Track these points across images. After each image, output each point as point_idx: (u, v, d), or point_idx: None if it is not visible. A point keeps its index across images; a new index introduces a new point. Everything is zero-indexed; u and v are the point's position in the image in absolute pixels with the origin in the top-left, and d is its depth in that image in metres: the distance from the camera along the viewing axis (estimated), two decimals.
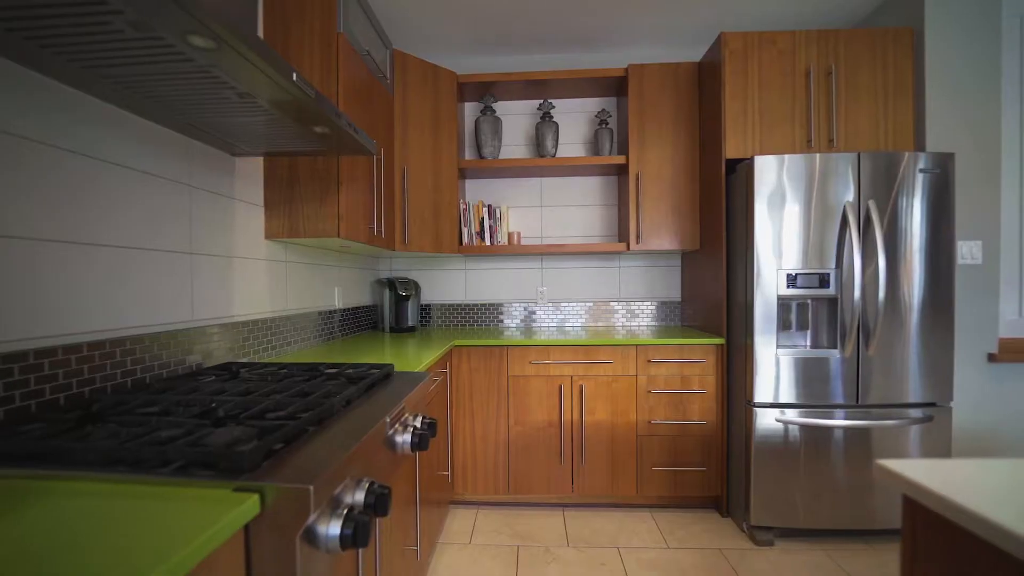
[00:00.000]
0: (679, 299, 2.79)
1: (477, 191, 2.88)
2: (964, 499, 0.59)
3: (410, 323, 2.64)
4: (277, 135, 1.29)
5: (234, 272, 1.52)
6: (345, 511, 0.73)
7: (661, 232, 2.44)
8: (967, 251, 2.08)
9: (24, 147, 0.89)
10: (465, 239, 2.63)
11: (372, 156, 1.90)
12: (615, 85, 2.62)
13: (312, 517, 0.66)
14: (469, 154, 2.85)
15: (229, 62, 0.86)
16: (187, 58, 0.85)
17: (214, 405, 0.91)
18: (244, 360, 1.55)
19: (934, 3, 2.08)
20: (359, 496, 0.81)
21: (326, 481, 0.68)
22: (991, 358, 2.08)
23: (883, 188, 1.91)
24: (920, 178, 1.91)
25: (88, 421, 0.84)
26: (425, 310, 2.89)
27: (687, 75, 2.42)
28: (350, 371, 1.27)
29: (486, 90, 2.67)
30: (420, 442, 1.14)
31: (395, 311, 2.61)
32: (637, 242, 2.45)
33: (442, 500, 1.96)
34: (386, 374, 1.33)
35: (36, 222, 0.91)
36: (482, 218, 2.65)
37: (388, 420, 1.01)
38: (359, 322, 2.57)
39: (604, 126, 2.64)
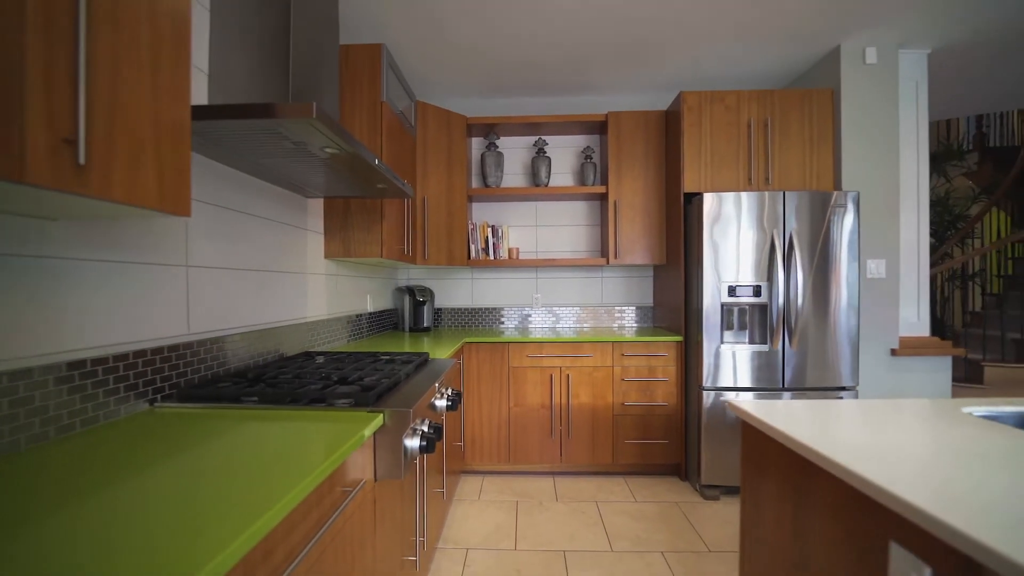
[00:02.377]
0: (652, 304, 3.32)
1: (482, 213, 3.40)
2: (762, 415, 1.11)
3: (425, 324, 3.14)
4: (347, 186, 1.80)
5: (307, 284, 2.02)
6: (420, 433, 1.24)
7: (634, 249, 2.97)
8: (873, 268, 2.62)
9: (205, 209, 1.39)
10: (472, 254, 3.14)
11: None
12: (598, 126, 3.14)
13: (407, 431, 1.16)
14: (475, 182, 3.36)
15: (339, 156, 1.37)
16: (315, 155, 1.36)
17: (324, 375, 1.42)
18: (312, 350, 2.05)
19: (848, 69, 2.62)
20: (425, 427, 1.31)
21: (414, 412, 1.19)
22: (893, 352, 2.62)
23: (804, 218, 2.44)
24: (834, 211, 2.45)
25: (253, 382, 1.34)
26: (438, 313, 3.39)
27: (655, 121, 2.96)
28: (400, 357, 1.78)
29: (490, 129, 3.19)
30: (452, 405, 1.65)
31: (413, 314, 3.12)
32: (615, 257, 2.97)
33: (457, 467, 2.46)
34: (424, 360, 1.84)
35: (212, 256, 1.41)
36: (487, 236, 3.17)
37: (437, 386, 1.52)
38: (383, 323, 3.07)
39: (588, 160, 3.17)
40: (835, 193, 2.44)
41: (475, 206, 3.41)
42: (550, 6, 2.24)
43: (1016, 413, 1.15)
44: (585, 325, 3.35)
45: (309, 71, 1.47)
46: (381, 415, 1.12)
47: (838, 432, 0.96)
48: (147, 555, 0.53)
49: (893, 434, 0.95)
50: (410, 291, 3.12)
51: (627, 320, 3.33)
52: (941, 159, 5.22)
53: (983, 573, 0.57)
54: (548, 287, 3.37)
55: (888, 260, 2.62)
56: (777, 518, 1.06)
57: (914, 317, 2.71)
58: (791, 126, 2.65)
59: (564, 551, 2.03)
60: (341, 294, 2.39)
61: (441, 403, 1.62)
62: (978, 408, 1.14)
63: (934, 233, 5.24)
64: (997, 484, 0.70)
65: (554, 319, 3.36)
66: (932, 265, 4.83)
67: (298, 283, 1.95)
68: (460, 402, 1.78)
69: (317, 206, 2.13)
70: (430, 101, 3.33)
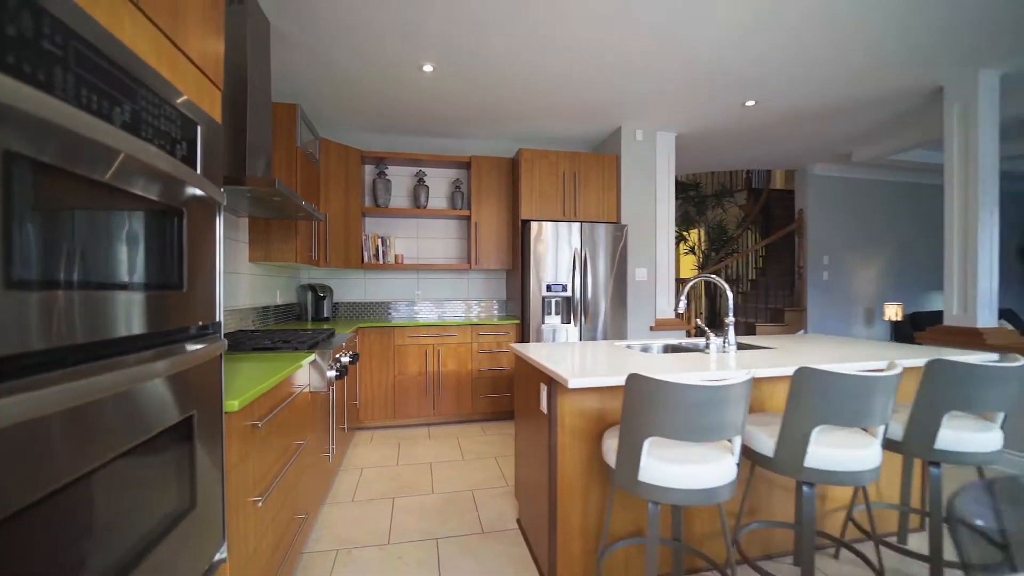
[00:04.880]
0: (506, 299, 4.44)
1: (375, 226, 4.22)
2: (528, 353, 2.19)
3: (325, 315, 3.88)
4: (276, 213, 2.57)
5: (239, 281, 2.72)
6: (335, 367, 2.12)
7: (490, 258, 4.05)
8: (640, 273, 4.02)
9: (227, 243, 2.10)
10: (366, 259, 3.96)
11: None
12: (465, 164, 4.17)
13: (327, 365, 2.04)
14: (368, 202, 4.18)
15: (280, 201, 2.19)
16: (265, 200, 2.16)
17: (270, 339, 2.21)
18: (245, 329, 2.74)
19: (625, 142, 3.98)
20: (337, 365, 2.18)
21: (331, 354, 2.07)
22: (651, 328, 4.05)
23: (596, 240, 3.72)
24: (613, 237, 3.76)
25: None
26: (336, 306, 4.14)
27: (505, 166, 4.08)
28: (315, 330, 2.60)
29: (381, 160, 4.04)
30: (353, 360, 2.52)
31: (315, 307, 3.83)
32: (476, 263, 4.02)
33: (354, 424, 3.29)
34: (332, 333, 2.67)
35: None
36: (378, 245, 4.01)
37: (343, 345, 2.39)
38: (288, 315, 3.74)
39: (458, 189, 4.18)
40: (615, 224, 3.77)
41: (368, 221, 4.22)
42: (423, 78, 3.20)
43: (641, 344, 2.39)
44: (457, 314, 4.35)
45: (258, 132, 2.24)
46: (313, 354, 1.98)
47: (552, 353, 2.07)
48: (242, 384, 1.38)
49: (575, 352, 2.08)
50: (312, 288, 3.84)
51: (488, 310, 4.42)
52: (720, 196, 7.23)
53: (555, 384, 1.66)
54: (427, 285, 4.31)
55: (648, 268, 4.04)
56: (525, 399, 2.14)
57: (665, 305, 4.18)
58: (591, 178, 3.95)
59: (431, 463, 3.01)
60: (257, 289, 3.08)
61: (345, 359, 2.49)
62: (622, 342, 2.37)
63: (715, 249, 7.24)
64: (593, 362, 1.83)
65: (432, 310, 4.31)
66: (711, 271, 6.74)
67: (233, 280, 2.64)
68: (358, 360, 2.65)
69: (243, 223, 2.82)
70: (334, 135, 4.08)
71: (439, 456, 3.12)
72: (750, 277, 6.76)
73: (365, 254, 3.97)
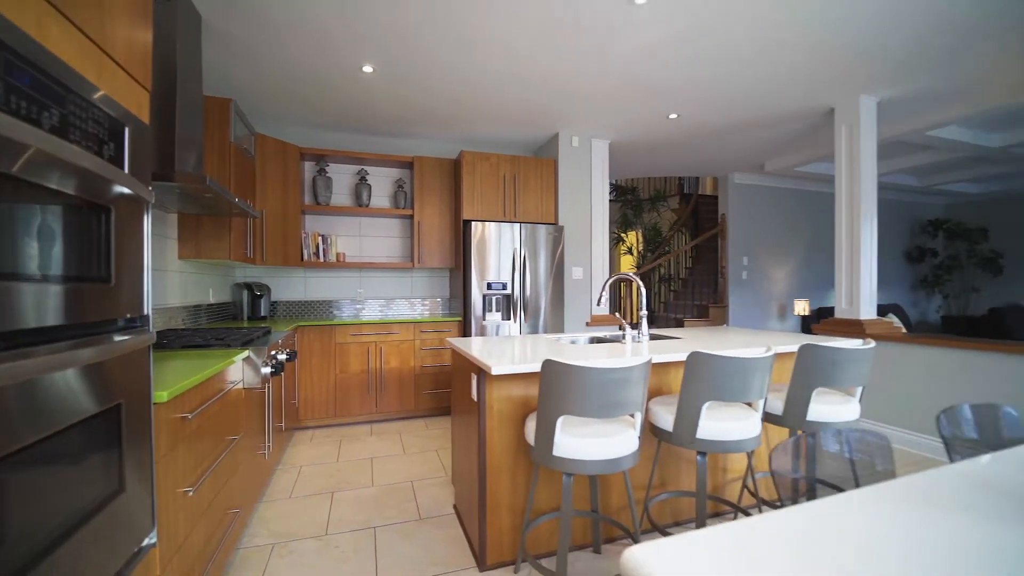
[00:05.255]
0: (449, 296, 4.54)
1: (315, 224, 4.18)
2: (461, 345, 2.31)
3: (263, 314, 3.80)
4: (209, 210, 2.53)
5: (167, 279, 2.64)
6: (271, 364, 2.14)
7: (433, 257, 4.14)
8: (576, 272, 4.25)
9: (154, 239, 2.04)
10: (305, 257, 3.92)
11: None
12: (408, 164, 4.22)
13: (262, 362, 2.06)
14: (308, 199, 4.13)
15: (213, 199, 2.17)
16: (196, 197, 2.14)
17: (202, 337, 2.19)
18: (175, 328, 2.67)
19: (563, 148, 4.19)
20: (273, 362, 2.20)
21: (267, 351, 2.09)
22: (587, 324, 4.29)
23: (535, 241, 3.90)
24: (551, 237, 3.96)
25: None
26: (274, 305, 4.06)
27: (448, 166, 4.17)
28: (250, 328, 2.58)
29: (321, 157, 4.01)
30: (290, 357, 2.54)
31: (251, 305, 3.75)
32: (419, 262, 4.09)
33: (292, 424, 3.26)
34: (268, 330, 2.66)
35: None
36: (318, 243, 3.98)
37: (280, 342, 2.40)
38: (222, 314, 3.64)
39: (401, 189, 4.23)
40: (554, 225, 3.97)
41: (309, 218, 4.17)
42: (364, 78, 3.24)
43: (570, 337, 2.58)
44: (401, 312, 4.40)
45: (188, 128, 2.21)
46: (247, 351, 2.00)
47: (484, 346, 2.20)
48: (173, 378, 1.41)
49: (508, 344, 2.22)
50: (248, 286, 3.75)
51: (432, 308, 4.49)
52: (655, 200, 7.68)
53: (484, 374, 1.79)
54: (370, 284, 4.33)
55: (584, 268, 4.28)
56: (461, 390, 2.26)
57: (596, 303, 4.42)
58: (530, 181, 4.13)
59: (372, 458, 3.06)
60: (189, 287, 3.00)
61: (282, 356, 2.49)
62: (554, 336, 2.54)
63: (651, 249, 7.68)
64: (521, 353, 1.97)
65: (376, 308, 4.33)
66: (648, 271, 7.17)
67: (162, 278, 2.57)
68: (296, 358, 2.66)
69: (173, 218, 2.74)
70: (272, 131, 4.00)
71: (380, 452, 3.17)
72: (681, 276, 7.24)
73: (305, 252, 3.93)
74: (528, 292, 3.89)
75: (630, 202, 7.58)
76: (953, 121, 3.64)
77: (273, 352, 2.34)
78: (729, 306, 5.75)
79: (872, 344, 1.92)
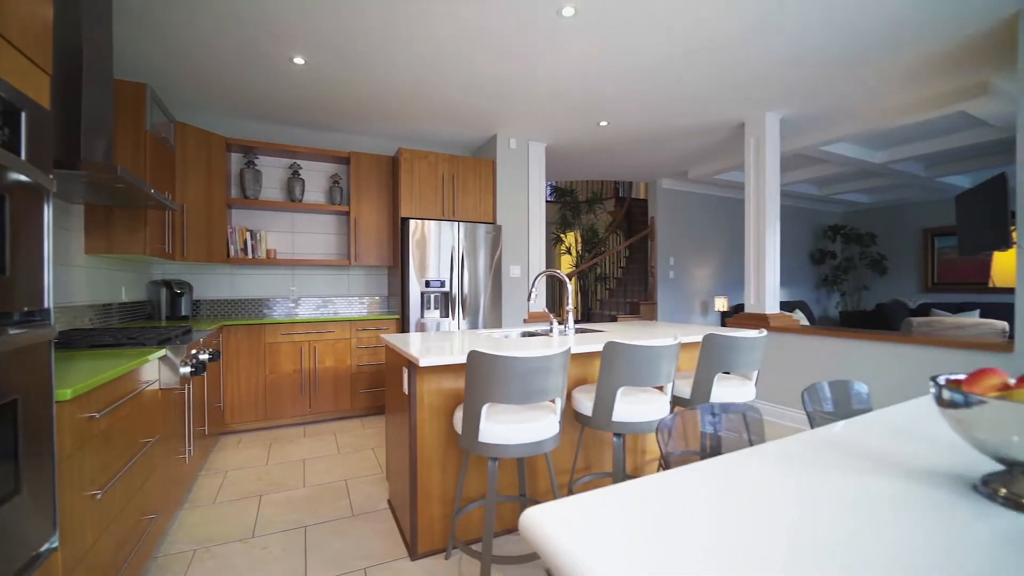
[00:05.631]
0: (388, 294, 4.50)
1: (243, 219, 3.99)
2: (395, 341, 2.33)
3: (184, 313, 3.58)
4: (121, 201, 2.37)
5: (73, 274, 2.44)
6: (190, 364, 2.05)
7: (370, 255, 4.09)
8: (514, 271, 4.37)
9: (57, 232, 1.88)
10: (232, 253, 3.74)
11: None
12: (344, 159, 4.15)
13: (181, 361, 1.98)
14: (236, 193, 3.94)
15: (125, 188, 2.05)
16: (107, 187, 2.01)
17: (112, 336, 2.06)
18: (81, 327, 2.47)
19: (501, 149, 4.29)
20: (193, 361, 2.12)
21: (186, 350, 2.01)
22: (525, 320, 4.42)
23: (473, 239, 3.97)
24: (489, 236, 4.04)
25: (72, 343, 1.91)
26: (196, 304, 3.84)
27: (386, 163, 4.14)
28: (167, 328, 2.45)
29: (250, 149, 3.84)
30: (212, 357, 2.44)
31: (171, 304, 3.53)
32: (356, 260, 4.03)
33: (217, 429, 3.12)
34: (188, 329, 2.54)
35: None
36: (246, 239, 3.82)
37: (202, 341, 2.30)
38: (136, 313, 3.40)
39: (336, 184, 4.14)
40: (492, 225, 4.06)
41: (236, 212, 3.98)
42: (295, 70, 3.16)
43: (503, 332, 2.67)
44: (336, 311, 4.30)
45: (96, 113, 2.07)
46: (164, 350, 1.92)
47: (417, 340, 2.24)
48: (78, 376, 1.34)
49: (443, 340, 2.27)
50: (167, 284, 3.52)
51: (370, 306, 4.43)
52: (592, 202, 8.00)
53: (414, 367, 1.84)
54: (304, 282, 4.20)
55: (521, 266, 4.41)
56: (395, 386, 2.28)
57: (533, 299, 4.59)
58: (469, 180, 4.19)
59: (304, 459, 2.99)
60: (98, 284, 2.78)
61: (204, 356, 2.39)
62: (488, 331, 2.63)
63: (588, 249, 7.99)
64: (451, 346, 2.03)
65: (311, 306, 4.21)
66: (585, 270, 7.46)
67: (65, 274, 2.38)
68: (219, 358, 2.56)
69: (79, 210, 2.54)
70: (195, 120, 3.77)
71: (313, 453, 3.11)
72: (615, 275, 7.60)
73: (231, 248, 3.75)
74: (467, 290, 3.96)
75: (569, 203, 7.84)
76: (843, 138, 4.13)
77: (194, 351, 2.24)
78: (658, 303, 6.13)
79: (764, 333, 2.17)
